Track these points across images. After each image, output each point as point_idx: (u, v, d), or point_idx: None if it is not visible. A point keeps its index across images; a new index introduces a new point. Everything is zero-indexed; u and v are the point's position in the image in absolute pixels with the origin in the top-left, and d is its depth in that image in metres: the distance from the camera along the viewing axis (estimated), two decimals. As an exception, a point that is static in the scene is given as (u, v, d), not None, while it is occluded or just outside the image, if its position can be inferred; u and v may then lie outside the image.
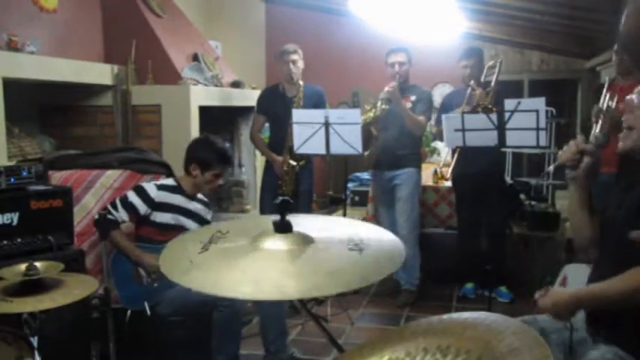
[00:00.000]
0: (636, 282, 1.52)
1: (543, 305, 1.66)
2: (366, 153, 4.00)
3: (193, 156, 2.87)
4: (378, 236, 1.49)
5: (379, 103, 3.94)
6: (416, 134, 4.09)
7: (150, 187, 2.81)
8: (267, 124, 4.27)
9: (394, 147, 4.04)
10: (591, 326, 1.73)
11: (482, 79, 4.01)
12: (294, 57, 3.95)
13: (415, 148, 4.17)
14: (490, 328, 0.99)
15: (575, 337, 1.75)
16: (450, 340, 1.01)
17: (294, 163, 3.91)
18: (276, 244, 1.34)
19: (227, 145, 2.99)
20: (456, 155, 3.79)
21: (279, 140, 4.01)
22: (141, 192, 2.78)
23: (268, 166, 4.15)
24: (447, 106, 4.06)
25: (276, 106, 4.05)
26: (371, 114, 3.99)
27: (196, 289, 1.25)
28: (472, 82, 3.84)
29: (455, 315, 1.14)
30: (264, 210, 4.20)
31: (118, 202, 2.75)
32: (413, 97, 4.04)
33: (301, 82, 3.96)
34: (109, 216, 2.70)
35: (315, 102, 4.01)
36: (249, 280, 1.24)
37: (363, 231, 1.50)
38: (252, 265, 1.29)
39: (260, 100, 4.23)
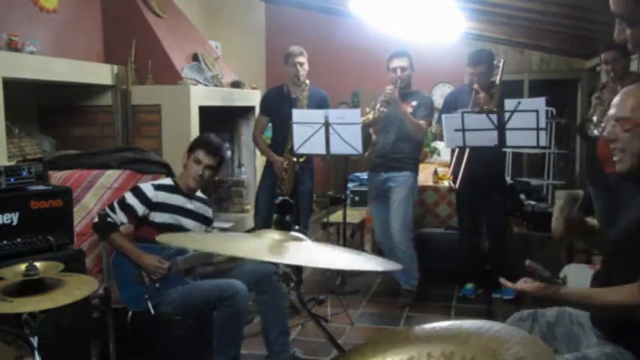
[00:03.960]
0: (631, 298, 1.50)
1: (530, 288, 1.67)
2: (366, 154, 4.00)
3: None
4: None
5: (378, 105, 3.94)
6: (417, 138, 4.08)
7: (147, 188, 2.81)
8: (269, 125, 4.28)
9: (392, 150, 4.03)
10: (595, 324, 1.73)
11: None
12: (301, 59, 3.97)
13: (414, 152, 4.12)
14: (496, 336, 0.99)
15: (580, 332, 1.75)
16: (454, 347, 1.01)
17: (294, 159, 3.91)
18: (275, 235, 1.43)
19: (216, 137, 2.99)
20: (455, 155, 3.76)
21: (282, 141, 4.01)
22: (138, 192, 2.78)
23: (268, 166, 4.14)
24: (449, 105, 4.04)
25: (280, 107, 4.05)
26: (370, 116, 3.99)
27: (196, 248, 1.40)
28: (476, 86, 3.81)
29: (459, 322, 1.13)
30: (259, 210, 4.18)
31: (115, 204, 2.75)
32: (414, 103, 4.02)
33: (307, 82, 3.97)
34: (108, 219, 2.69)
35: (319, 104, 4.01)
36: (249, 248, 1.39)
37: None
38: (251, 242, 1.42)
39: (264, 100, 4.23)
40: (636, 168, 1.64)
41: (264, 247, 1.36)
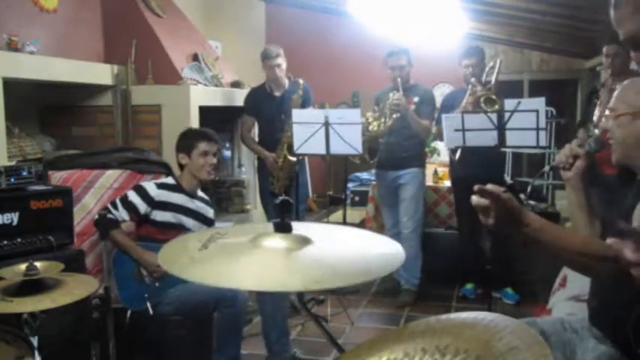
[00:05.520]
0: (592, 249, 1.43)
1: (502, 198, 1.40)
2: (373, 161, 4.01)
3: (177, 148, 2.93)
4: (377, 239, 1.52)
5: (388, 113, 3.94)
6: (422, 137, 4.11)
7: (150, 186, 2.82)
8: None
9: (399, 149, 4.05)
10: (594, 323, 1.72)
11: (483, 78, 4.01)
12: (279, 61, 3.98)
13: (419, 148, 4.19)
14: (488, 327, 0.99)
15: (576, 339, 1.75)
16: (448, 340, 1.01)
17: (293, 159, 3.93)
18: (276, 242, 1.36)
19: (206, 128, 3.03)
20: (458, 154, 3.75)
21: (270, 139, 4.06)
22: (141, 191, 2.78)
23: (261, 166, 4.17)
24: (447, 107, 4.06)
25: (264, 106, 4.09)
26: (376, 123, 3.98)
27: (199, 281, 1.26)
28: (473, 80, 3.82)
29: (453, 315, 1.14)
30: (269, 212, 4.20)
31: (118, 201, 2.76)
32: (416, 99, 4.04)
33: (301, 81, 3.97)
34: (110, 215, 2.70)
35: (304, 98, 4.03)
36: (252, 274, 1.26)
37: (362, 235, 1.53)
38: (253, 260, 1.30)
39: (247, 101, 4.26)
40: (624, 157, 1.68)
41: (273, 265, 1.28)
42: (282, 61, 3.99)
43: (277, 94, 4.05)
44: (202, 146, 2.86)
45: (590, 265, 1.41)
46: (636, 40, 1.18)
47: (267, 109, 4.06)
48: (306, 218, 4.99)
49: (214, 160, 2.89)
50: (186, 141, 2.91)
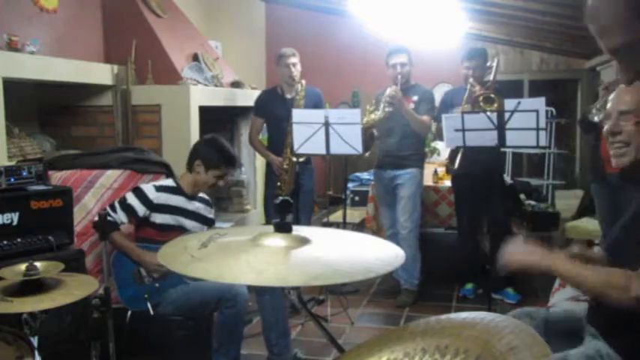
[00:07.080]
0: (611, 280, 1.50)
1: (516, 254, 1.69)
2: (367, 154, 4.01)
3: (200, 153, 2.87)
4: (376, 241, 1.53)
5: (382, 106, 3.94)
6: (421, 135, 4.10)
7: (148, 189, 2.80)
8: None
9: (397, 148, 4.05)
10: (589, 320, 1.72)
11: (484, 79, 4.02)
12: (294, 60, 3.99)
13: (418, 148, 4.18)
14: (488, 327, 0.99)
15: (579, 327, 1.75)
16: (448, 340, 1.01)
17: (294, 159, 3.92)
18: (276, 241, 1.38)
19: (235, 149, 3.00)
20: (459, 155, 3.74)
21: (279, 142, 4.03)
22: (139, 194, 2.77)
23: (269, 171, 4.15)
24: (446, 104, 4.06)
25: (275, 108, 4.07)
26: (373, 116, 3.99)
27: (200, 277, 1.27)
28: (471, 80, 3.82)
29: (453, 315, 1.14)
30: (270, 219, 4.18)
31: (116, 204, 2.75)
32: (415, 98, 4.04)
33: (303, 82, 3.98)
34: (108, 217, 2.70)
35: (315, 103, 4.04)
36: (252, 270, 1.27)
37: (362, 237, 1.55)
38: (253, 257, 1.32)
39: (258, 103, 4.24)
40: (636, 162, 1.64)
41: (273, 261, 1.30)
42: (297, 61, 4.00)
43: (288, 96, 4.05)
44: (223, 171, 2.87)
45: (621, 296, 1.49)
46: (621, 51, 1.19)
47: (277, 111, 4.05)
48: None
49: (222, 183, 2.90)
50: (215, 158, 2.84)
